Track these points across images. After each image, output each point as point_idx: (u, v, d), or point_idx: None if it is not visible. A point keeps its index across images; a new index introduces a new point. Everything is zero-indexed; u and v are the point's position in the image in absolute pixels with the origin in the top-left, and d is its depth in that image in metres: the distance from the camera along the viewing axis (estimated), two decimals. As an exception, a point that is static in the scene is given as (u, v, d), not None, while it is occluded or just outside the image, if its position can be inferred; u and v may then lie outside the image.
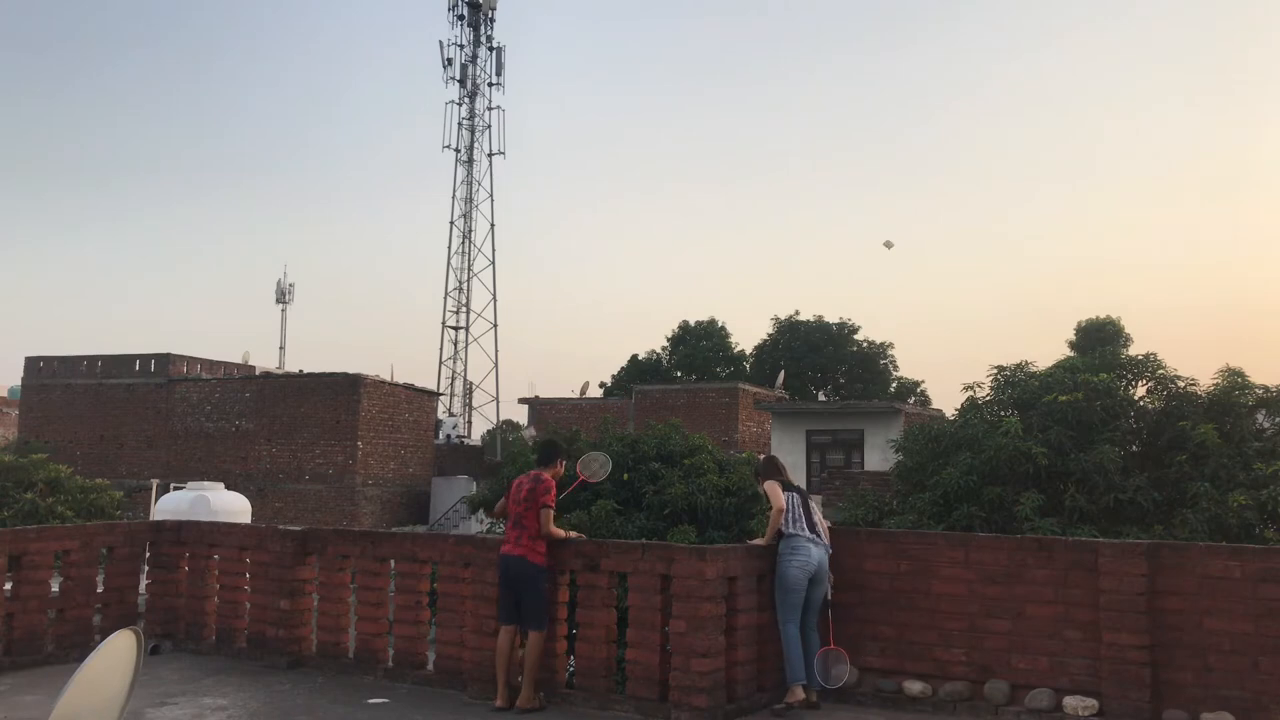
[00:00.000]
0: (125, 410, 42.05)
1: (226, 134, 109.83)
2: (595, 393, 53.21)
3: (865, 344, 57.08)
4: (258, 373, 45.66)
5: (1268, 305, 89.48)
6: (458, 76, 55.53)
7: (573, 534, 7.67)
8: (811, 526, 7.40)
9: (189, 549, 9.45)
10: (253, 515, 20.45)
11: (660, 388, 44.57)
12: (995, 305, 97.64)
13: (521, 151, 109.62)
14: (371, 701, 7.47)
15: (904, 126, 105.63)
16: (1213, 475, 12.73)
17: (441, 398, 50.86)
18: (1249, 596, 6.30)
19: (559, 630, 7.55)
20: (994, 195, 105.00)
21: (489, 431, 53.92)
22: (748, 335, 77.45)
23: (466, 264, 55.30)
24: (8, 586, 8.38)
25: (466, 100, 55.84)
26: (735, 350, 58.90)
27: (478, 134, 55.91)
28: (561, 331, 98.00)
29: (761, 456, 8.61)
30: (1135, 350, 19.43)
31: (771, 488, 7.56)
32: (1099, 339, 37.03)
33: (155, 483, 30.23)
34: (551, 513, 7.25)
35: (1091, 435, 13.49)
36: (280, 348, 65.12)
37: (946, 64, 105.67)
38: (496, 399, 54.84)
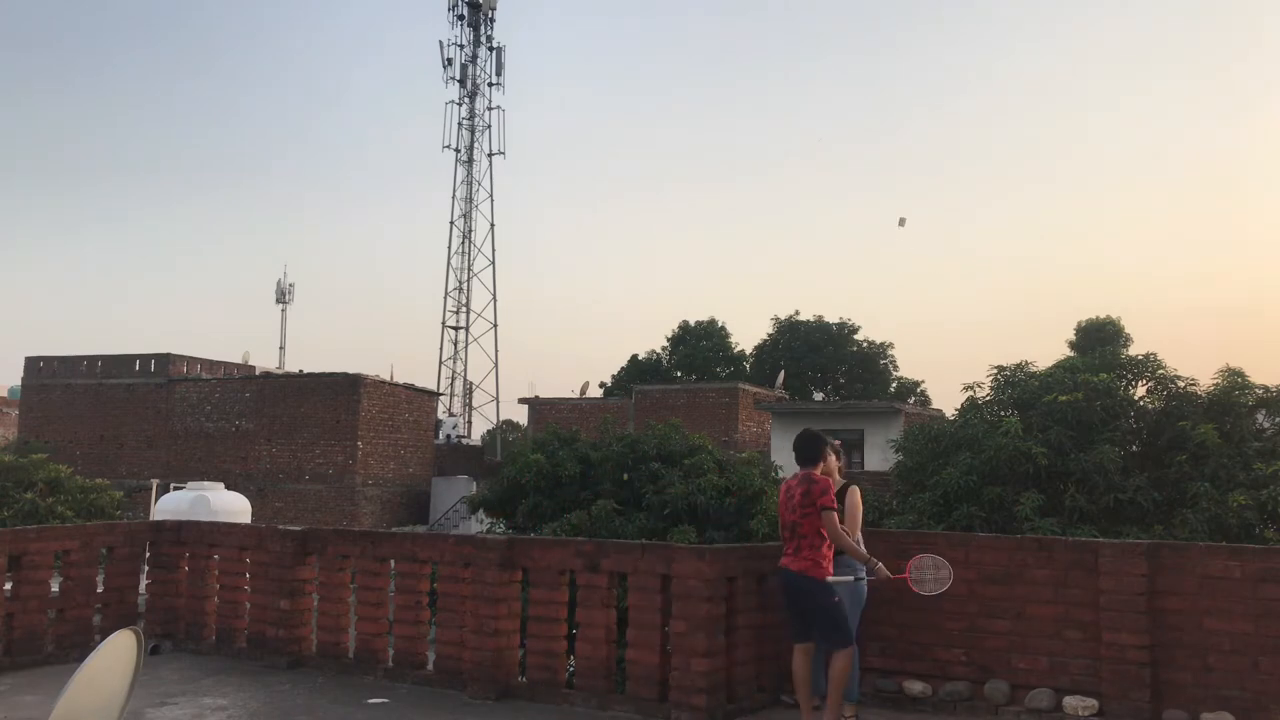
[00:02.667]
0: (125, 410, 42.06)
1: (226, 134, 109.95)
2: (595, 393, 53.20)
3: (865, 344, 57.07)
4: (258, 373, 45.67)
5: (1268, 305, 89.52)
6: (458, 76, 55.58)
7: (862, 553, 6.58)
8: None
9: (189, 549, 9.45)
10: (253, 515, 20.47)
11: (660, 388, 44.54)
12: (995, 305, 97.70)
13: (521, 151, 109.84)
14: (371, 701, 7.47)
15: (904, 126, 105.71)
16: (1213, 475, 12.72)
17: (441, 398, 50.89)
18: (1249, 596, 6.30)
19: (560, 630, 7.54)
20: (994, 195, 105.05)
21: (489, 431, 53.96)
22: (748, 335, 77.52)
23: (466, 264, 55.36)
24: (8, 586, 8.38)
25: (466, 100, 55.89)
26: (735, 350, 58.88)
27: (478, 134, 55.98)
28: (561, 331, 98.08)
29: (838, 442, 7.30)
30: (1135, 350, 19.43)
31: (853, 494, 6.97)
32: (1099, 339, 37.02)
33: (155, 483, 30.24)
34: (835, 515, 6.37)
35: (1091, 435, 13.49)
36: (280, 348, 65.24)
37: (947, 63, 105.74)
38: (496, 399, 54.91)
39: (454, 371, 54.83)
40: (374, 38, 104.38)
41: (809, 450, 6.66)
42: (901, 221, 47.52)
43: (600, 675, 7.25)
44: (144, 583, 9.53)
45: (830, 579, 6.42)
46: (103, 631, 8.44)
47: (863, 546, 6.78)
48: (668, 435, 18.87)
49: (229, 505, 19.28)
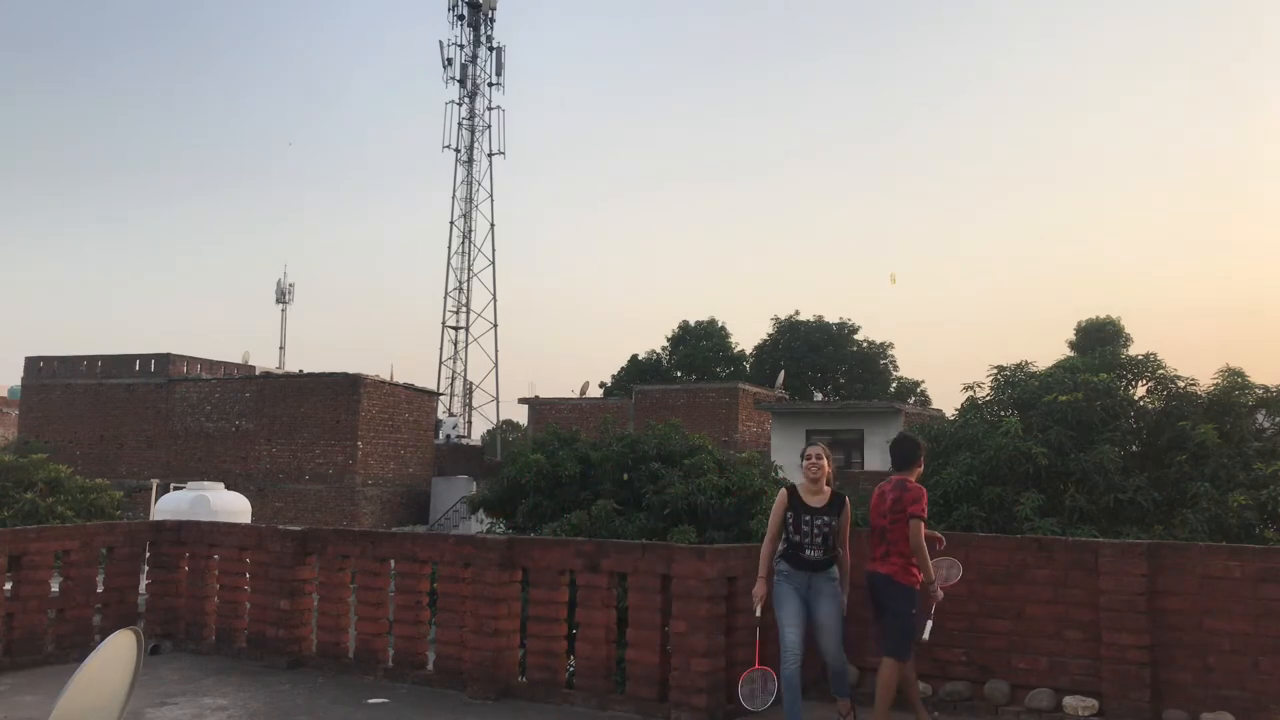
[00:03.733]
0: (125, 410, 42.05)
1: (226, 134, 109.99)
2: (595, 393, 53.18)
3: (865, 344, 57.05)
4: (258, 373, 45.67)
5: (1268, 305, 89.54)
6: (458, 76, 55.59)
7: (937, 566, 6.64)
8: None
9: (189, 549, 9.44)
10: (253, 515, 20.45)
11: (660, 388, 44.51)
12: (995, 305, 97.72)
13: (521, 151, 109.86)
14: (371, 701, 7.47)
15: (905, 126, 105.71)
16: (1213, 475, 12.72)
17: (441, 398, 50.89)
18: (1249, 596, 6.30)
19: (560, 630, 7.55)
20: (995, 195, 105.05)
21: (489, 431, 53.98)
22: (748, 335, 77.53)
23: (466, 264, 55.36)
24: (8, 586, 8.38)
25: (466, 100, 55.89)
26: (735, 350, 58.87)
27: (478, 134, 55.98)
28: (561, 331, 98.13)
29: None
30: (1135, 350, 19.41)
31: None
32: (1099, 339, 37.03)
33: (155, 483, 30.24)
34: (923, 525, 6.48)
35: (1091, 435, 13.48)
36: (280, 348, 65.32)
37: (947, 63, 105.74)
38: (496, 399, 54.92)
39: (454, 371, 54.86)
40: (374, 38, 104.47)
41: (908, 454, 6.77)
42: (893, 279, 47.85)
43: (600, 675, 7.26)
44: (144, 583, 9.53)
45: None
46: (103, 631, 8.44)
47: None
48: (668, 435, 18.86)
49: (229, 505, 19.26)
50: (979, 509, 13.16)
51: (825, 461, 6.61)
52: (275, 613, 8.61)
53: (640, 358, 59.14)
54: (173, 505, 18.98)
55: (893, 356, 57.16)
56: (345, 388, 38.98)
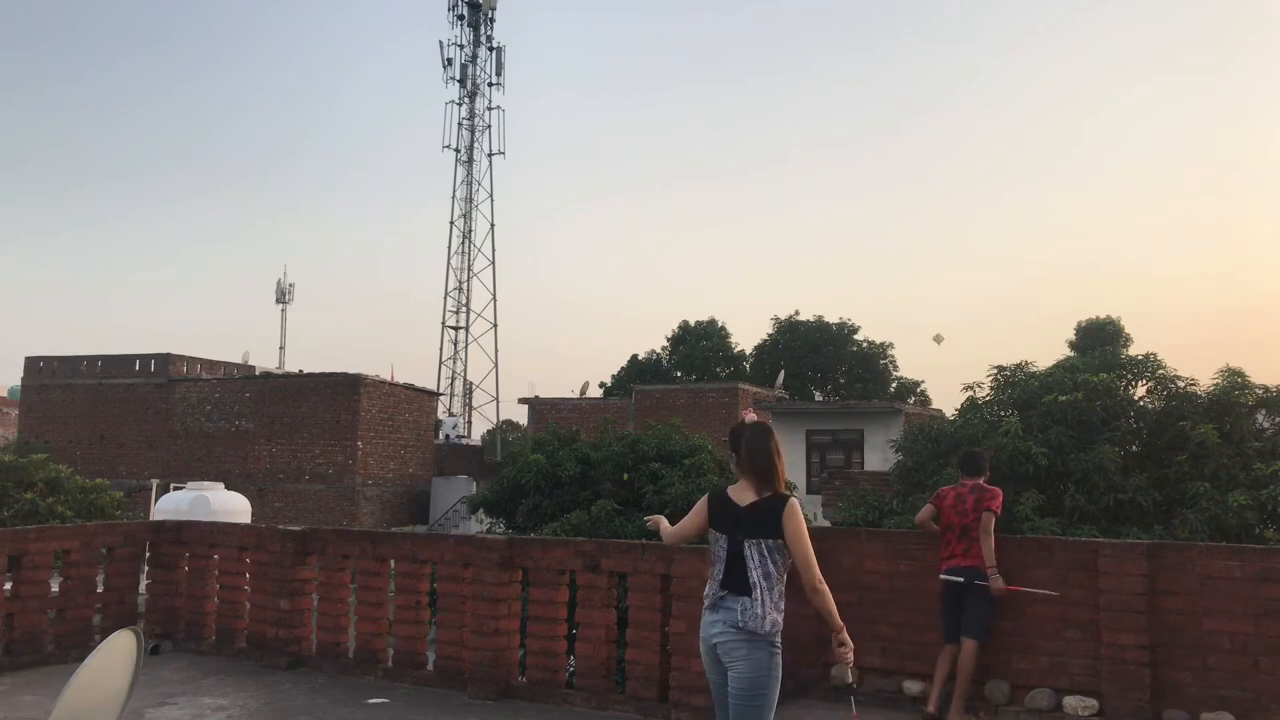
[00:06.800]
0: (125, 410, 42.05)
1: (226, 133, 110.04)
2: (595, 393, 53.17)
3: (865, 344, 57.04)
4: (258, 373, 45.69)
5: (1268, 305, 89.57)
6: (458, 76, 55.65)
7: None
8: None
9: (189, 549, 9.44)
10: (253, 515, 20.44)
11: (660, 388, 44.49)
12: (995, 305, 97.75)
13: (522, 151, 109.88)
14: (371, 701, 7.47)
15: (906, 125, 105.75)
16: (1213, 475, 12.70)
17: (441, 398, 50.90)
18: (1249, 596, 6.30)
19: (560, 630, 7.56)
20: (995, 195, 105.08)
21: (489, 431, 54.01)
22: (748, 335, 77.62)
23: (466, 264, 55.40)
24: (8, 586, 8.38)
25: (466, 100, 55.94)
26: (735, 350, 58.89)
27: (478, 134, 56.03)
28: (561, 331, 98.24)
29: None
30: (1135, 350, 19.40)
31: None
32: (1099, 339, 37.06)
33: (155, 483, 30.24)
34: (995, 519, 7.00)
35: (1091, 435, 13.46)
36: (280, 348, 65.42)
37: (947, 63, 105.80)
38: (496, 399, 54.99)
39: (454, 371, 54.89)
40: (374, 38, 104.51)
41: (978, 464, 7.51)
42: (938, 339, 47.93)
43: (600, 675, 7.26)
44: (144, 583, 9.53)
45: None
46: (103, 631, 8.44)
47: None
48: (668, 435, 18.86)
49: (229, 505, 19.24)
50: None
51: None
52: (275, 613, 8.60)
53: (640, 358, 59.15)
54: (173, 505, 18.97)
55: (893, 356, 57.19)
56: (345, 388, 38.98)
